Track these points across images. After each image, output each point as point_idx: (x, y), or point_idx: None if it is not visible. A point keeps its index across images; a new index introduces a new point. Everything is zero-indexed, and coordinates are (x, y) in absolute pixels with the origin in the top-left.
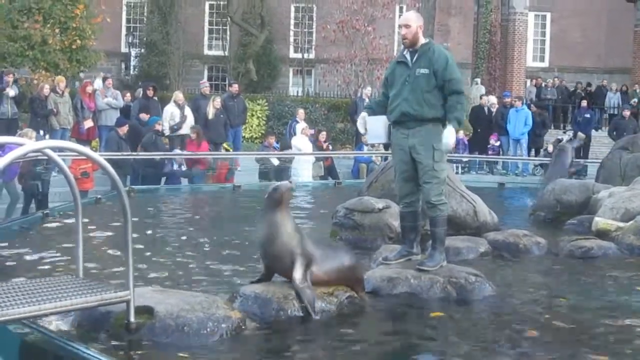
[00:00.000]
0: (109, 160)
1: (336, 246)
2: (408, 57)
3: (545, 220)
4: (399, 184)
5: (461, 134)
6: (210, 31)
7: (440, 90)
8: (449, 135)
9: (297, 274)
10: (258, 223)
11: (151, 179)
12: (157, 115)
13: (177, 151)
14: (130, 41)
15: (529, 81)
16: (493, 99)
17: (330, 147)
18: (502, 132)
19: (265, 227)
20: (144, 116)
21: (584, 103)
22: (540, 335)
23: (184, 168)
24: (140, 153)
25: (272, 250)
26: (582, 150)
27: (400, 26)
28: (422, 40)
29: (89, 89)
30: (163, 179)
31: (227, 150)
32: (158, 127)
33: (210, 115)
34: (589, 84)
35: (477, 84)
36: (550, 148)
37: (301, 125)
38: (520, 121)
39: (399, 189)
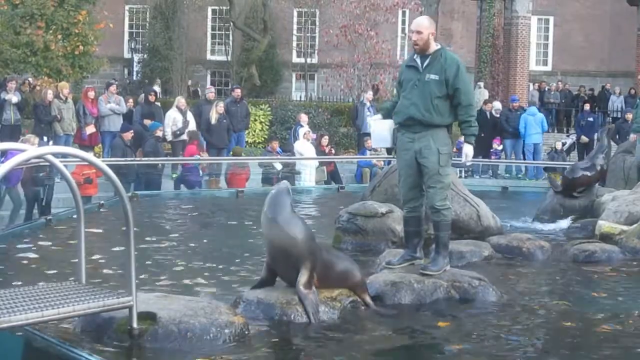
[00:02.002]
0: (112, 166)
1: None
2: (418, 61)
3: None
4: (403, 189)
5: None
6: (213, 36)
7: (449, 98)
8: (468, 152)
9: (302, 279)
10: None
11: (155, 184)
12: (159, 121)
13: (197, 156)
14: (133, 47)
15: (532, 85)
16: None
17: (333, 152)
18: (506, 135)
19: (278, 222)
20: (148, 122)
21: (587, 106)
22: (544, 340)
23: (201, 174)
24: (143, 159)
25: (279, 247)
26: (585, 153)
27: (411, 31)
28: (434, 46)
29: (91, 94)
30: (165, 184)
31: (234, 155)
32: (159, 133)
33: (213, 120)
34: (603, 87)
35: (480, 87)
36: (559, 145)
37: (304, 130)
38: (529, 124)
39: (403, 194)
